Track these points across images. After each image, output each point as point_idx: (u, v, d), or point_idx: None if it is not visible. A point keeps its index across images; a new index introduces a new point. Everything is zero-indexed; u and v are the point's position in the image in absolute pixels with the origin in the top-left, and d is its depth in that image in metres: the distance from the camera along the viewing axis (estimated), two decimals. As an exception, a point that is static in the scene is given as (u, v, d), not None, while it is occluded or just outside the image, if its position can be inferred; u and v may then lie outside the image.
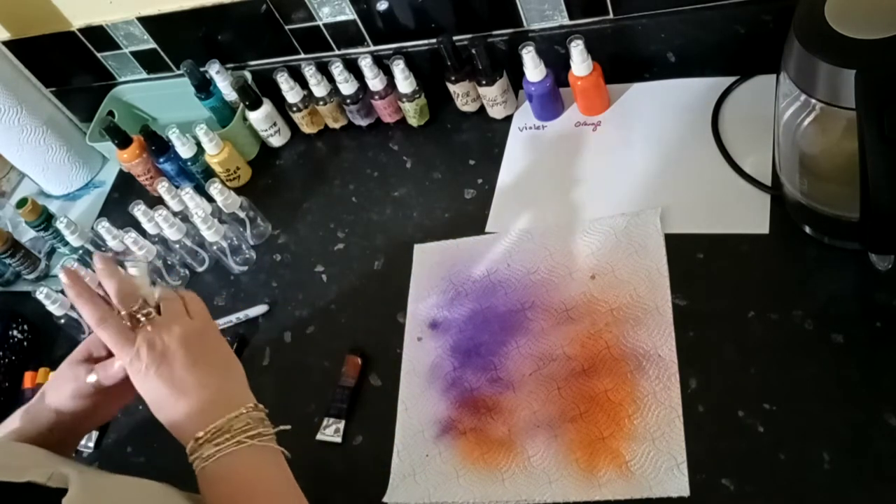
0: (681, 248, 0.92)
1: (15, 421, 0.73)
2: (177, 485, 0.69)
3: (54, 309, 1.09)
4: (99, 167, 1.40)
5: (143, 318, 0.70)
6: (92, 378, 0.71)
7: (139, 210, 1.11)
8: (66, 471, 0.58)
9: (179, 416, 0.67)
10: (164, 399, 0.67)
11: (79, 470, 0.60)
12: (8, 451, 0.65)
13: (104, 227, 1.12)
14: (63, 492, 0.57)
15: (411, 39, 1.14)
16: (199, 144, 1.18)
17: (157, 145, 1.21)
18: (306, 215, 1.16)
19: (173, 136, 1.17)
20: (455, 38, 1.09)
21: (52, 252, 1.29)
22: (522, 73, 1.06)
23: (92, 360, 0.73)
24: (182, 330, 0.69)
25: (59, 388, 0.72)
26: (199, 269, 1.16)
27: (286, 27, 1.17)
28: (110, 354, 0.71)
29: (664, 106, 1.05)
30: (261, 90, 1.22)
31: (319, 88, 1.17)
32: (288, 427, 0.70)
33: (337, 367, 0.97)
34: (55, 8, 1.24)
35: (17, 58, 1.33)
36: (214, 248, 1.10)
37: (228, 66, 1.24)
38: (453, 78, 1.11)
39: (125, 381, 0.70)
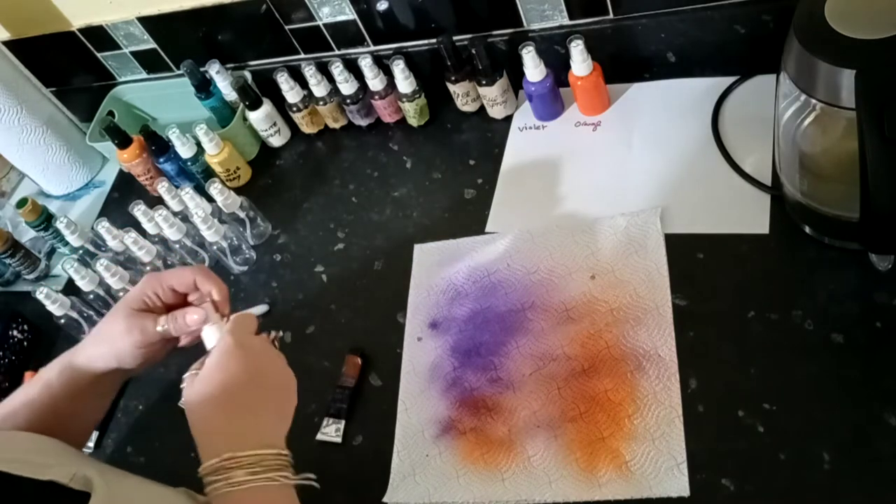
0: (681, 248, 0.92)
1: (58, 370, 0.74)
2: (178, 485, 0.69)
3: (54, 309, 1.09)
4: (99, 167, 1.40)
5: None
6: (162, 328, 0.74)
7: (139, 210, 1.11)
8: (89, 472, 0.58)
9: (240, 422, 0.67)
10: (233, 396, 0.68)
11: (101, 471, 0.59)
12: (31, 444, 0.65)
13: (104, 227, 1.11)
14: (84, 495, 0.56)
15: (411, 39, 1.14)
16: (199, 144, 1.18)
17: (157, 145, 1.21)
18: (306, 215, 1.16)
19: (173, 136, 1.17)
20: (455, 38, 1.09)
21: (52, 252, 1.29)
22: (522, 73, 1.06)
23: (150, 311, 0.75)
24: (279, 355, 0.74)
25: (120, 340, 0.74)
26: (199, 269, 1.16)
27: (286, 27, 1.17)
28: (169, 308, 0.75)
29: (664, 106, 1.05)
30: (261, 90, 1.22)
31: (319, 88, 1.16)
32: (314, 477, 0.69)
33: (337, 367, 0.97)
34: (55, 8, 1.24)
35: (17, 58, 1.33)
36: (214, 248, 1.10)
37: (228, 66, 1.24)
38: (453, 78, 1.11)
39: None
